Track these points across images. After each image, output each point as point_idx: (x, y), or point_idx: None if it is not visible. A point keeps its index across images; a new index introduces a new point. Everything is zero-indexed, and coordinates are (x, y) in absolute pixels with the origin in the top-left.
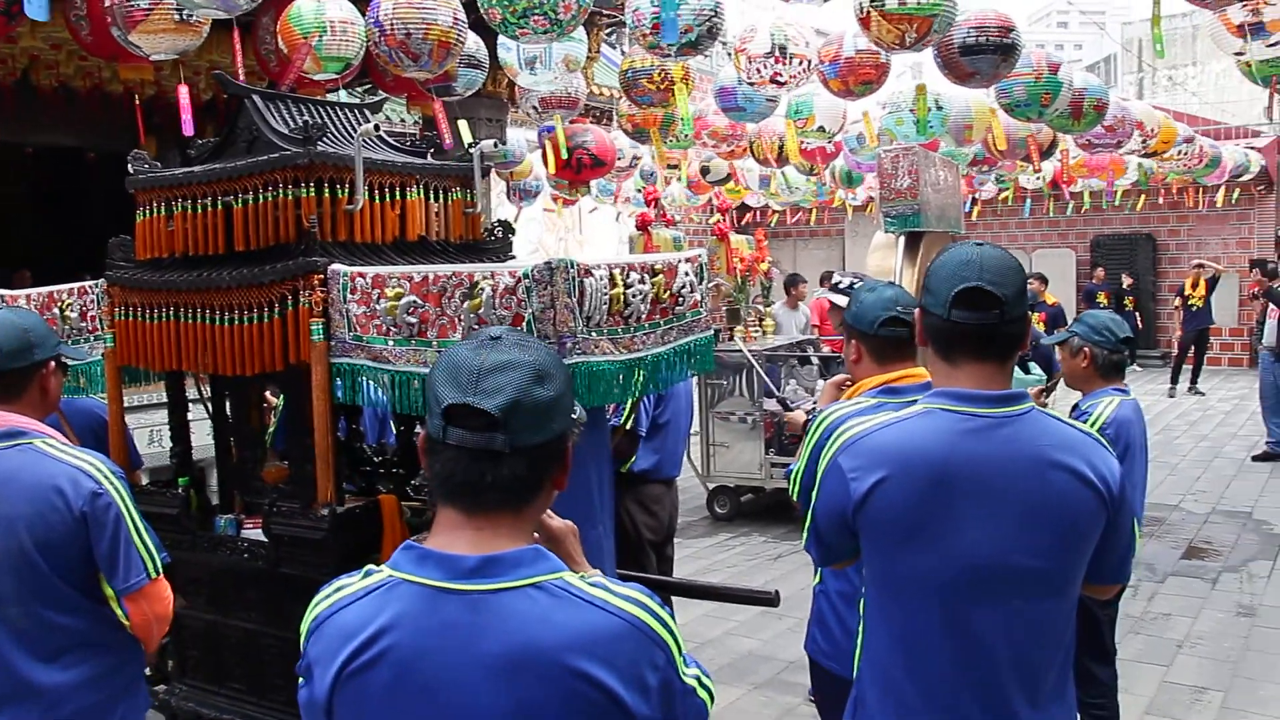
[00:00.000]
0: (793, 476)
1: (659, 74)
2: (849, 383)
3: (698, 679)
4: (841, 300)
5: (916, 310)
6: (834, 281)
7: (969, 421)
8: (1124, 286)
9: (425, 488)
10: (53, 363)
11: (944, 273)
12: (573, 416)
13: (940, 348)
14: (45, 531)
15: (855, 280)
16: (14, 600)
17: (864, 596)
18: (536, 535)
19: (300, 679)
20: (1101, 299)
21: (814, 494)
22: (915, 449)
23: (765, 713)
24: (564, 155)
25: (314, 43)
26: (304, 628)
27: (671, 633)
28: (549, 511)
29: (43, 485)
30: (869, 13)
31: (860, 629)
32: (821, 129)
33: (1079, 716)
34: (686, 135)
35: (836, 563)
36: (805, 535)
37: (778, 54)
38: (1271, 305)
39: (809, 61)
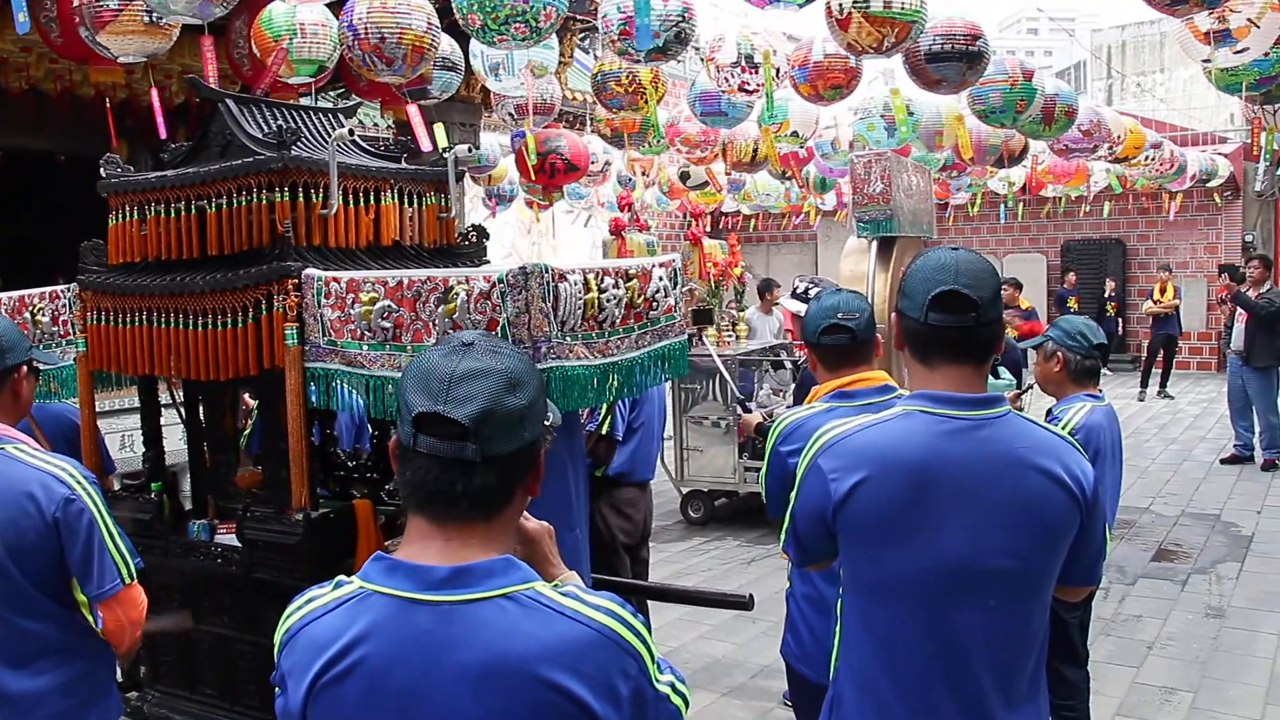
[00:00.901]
0: (759, 479)
1: (627, 78)
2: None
3: (671, 686)
4: (801, 308)
5: (893, 314)
6: (795, 289)
7: (947, 423)
8: (1106, 293)
9: (398, 492)
10: (24, 367)
11: (920, 277)
12: (545, 423)
13: (917, 351)
14: (16, 537)
15: (814, 286)
16: None
17: (841, 598)
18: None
19: (276, 689)
20: (1072, 304)
21: (793, 494)
22: (895, 450)
23: (739, 717)
24: (533, 161)
25: (285, 44)
26: (277, 639)
27: (644, 641)
28: (525, 513)
29: (14, 491)
30: (850, 14)
31: (837, 630)
32: (795, 134)
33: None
34: (659, 140)
35: (814, 563)
36: (783, 536)
37: (744, 63)
38: (1239, 310)
39: (777, 70)
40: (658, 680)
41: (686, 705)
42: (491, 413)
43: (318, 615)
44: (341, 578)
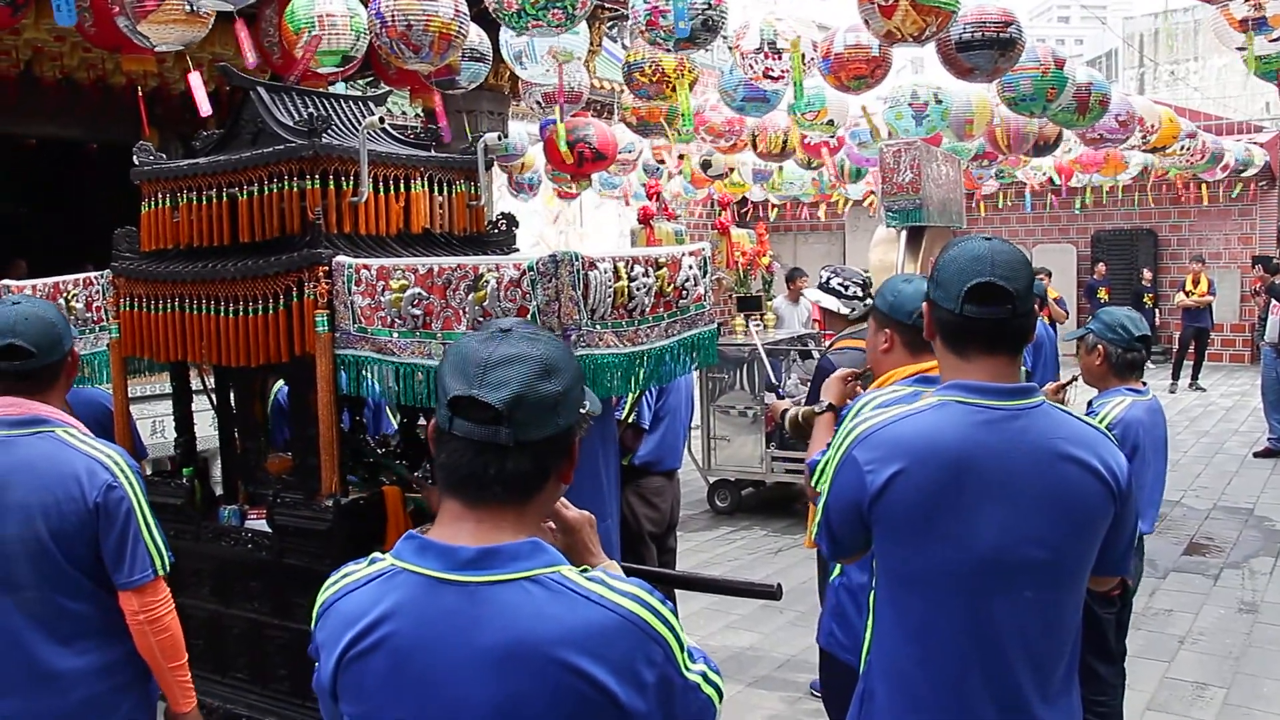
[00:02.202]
0: (820, 466)
1: (651, 68)
2: (856, 376)
3: (703, 675)
4: (831, 302)
5: (924, 303)
6: (823, 280)
7: (983, 414)
8: (1143, 283)
9: (430, 477)
10: (75, 350)
11: (955, 267)
12: (582, 410)
13: (951, 342)
14: (60, 520)
15: (834, 276)
16: (31, 585)
17: (874, 589)
18: (551, 526)
19: (315, 662)
20: (1102, 294)
21: (826, 486)
22: (932, 441)
23: (765, 706)
24: (563, 148)
25: (314, 34)
26: (315, 612)
27: (671, 628)
28: (565, 502)
29: (61, 474)
30: (897, 1)
31: (869, 622)
32: (831, 122)
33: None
34: (687, 130)
35: (847, 557)
36: (815, 529)
37: (767, 49)
38: (1273, 301)
39: (803, 56)
40: (687, 669)
41: (720, 695)
42: (525, 398)
43: (350, 590)
44: (376, 555)
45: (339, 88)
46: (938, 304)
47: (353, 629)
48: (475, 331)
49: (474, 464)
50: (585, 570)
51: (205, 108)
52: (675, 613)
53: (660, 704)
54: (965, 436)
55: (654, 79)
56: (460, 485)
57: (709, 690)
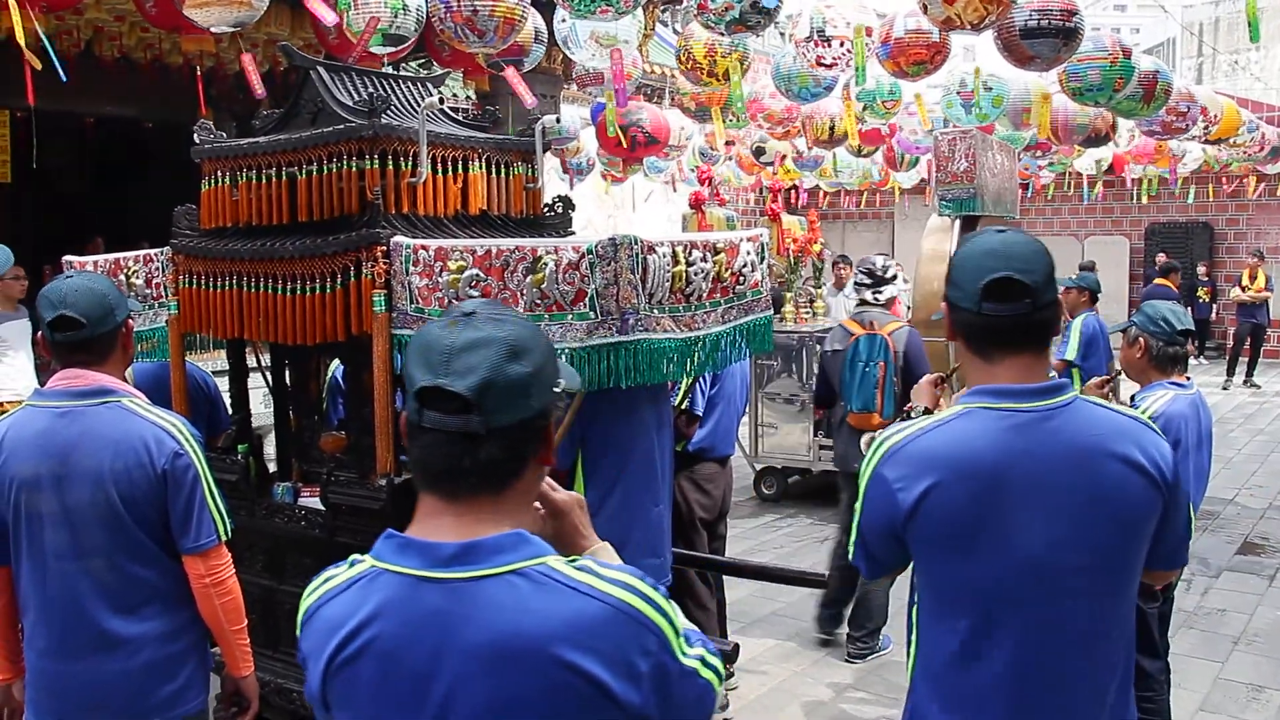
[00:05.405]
0: None
1: (702, 52)
2: (943, 378)
3: (701, 659)
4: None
5: (943, 304)
6: (876, 271)
7: (1013, 417)
8: (1198, 276)
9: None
10: (130, 321)
11: (970, 265)
12: (555, 390)
13: (974, 343)
14: (129, 487)
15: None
16: (101, 552)
17: (917, 605)
18: (540, 510)
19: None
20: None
21: (858, 506)
22: (963, 452)
23: (809, 694)
24: (613, 131)
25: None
26: (299, 619)
27: (665, 614)
28: (552, 484)
29: (130, 442)
30: None
31: (912, 638)
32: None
33: None
34: (743, 115)
35: (886, 575)
36: (851, 549)
37: (817, 37)
38: None
39: (849, 42)
40: (684, 654)
41: (720, 678)
42: (494, 383)
43: (332, 595)
44: (356, 556)
45: (388, 69)
46: (956, 304)
47: (337, 635)
48: (439, 318)
49: (447, 456)
50: (574, 560)
51: (259, 88)
52: (669, 599)
53: (656, 692)
54: (997, 443)
55: (692, 66)
56: (436, 479)
57: (707, 674)
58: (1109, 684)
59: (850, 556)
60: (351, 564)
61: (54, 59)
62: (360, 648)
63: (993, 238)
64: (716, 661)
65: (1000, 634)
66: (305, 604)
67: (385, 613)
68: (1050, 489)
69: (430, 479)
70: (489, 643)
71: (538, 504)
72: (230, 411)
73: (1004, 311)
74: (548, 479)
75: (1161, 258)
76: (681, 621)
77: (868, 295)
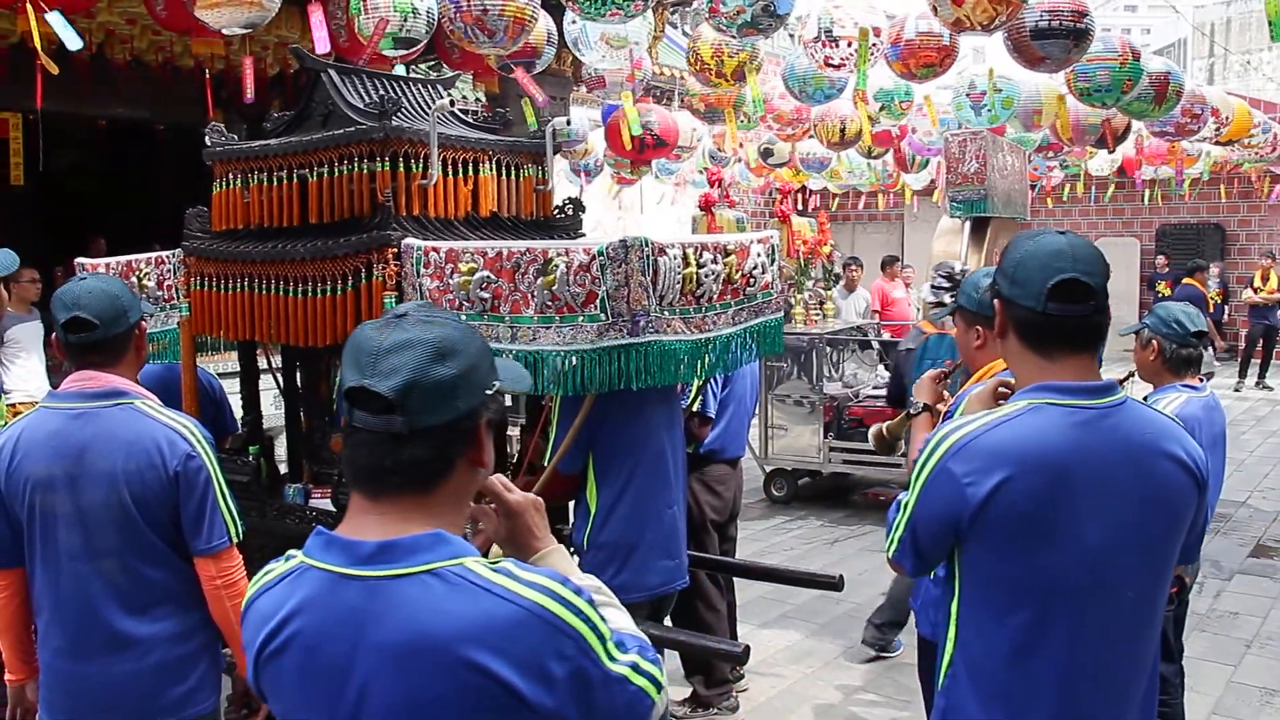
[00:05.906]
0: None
1: (710, 52)
2: (945, 375)
3: (634, 666)
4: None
5: (997, 301)
6: (940, 279)
7: (1079, 414)
8: (1210, 278)
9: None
10: (143, 323)
11: (1035, 264)
12: (488, 391)
13: (1032, 341)
14: (142, 488)
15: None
16: (112, 553)
17: (959, 600)
18: (494, 509)
19: None
20: (1162, 288)
21: (911, 501)
22: (1034, 446)
23: (820, 697)
24: (637, 131)
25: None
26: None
27: (585, 619)
28: (508, 484)
29: (142, 444)
30: None
31: (950, 634)
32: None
33: None
34: (755, 116)
35: (928, 571)
36: (894, 546)
37: (824, 38)
38: None
39: (856, 43)
40: (611, 660)
41: (658, 686)
42: (417, 384)
43: (266, 589)
44: (291, 552)
45: (398, 71)
46: (1015, 302)
47: (265, 628)
48: (372, 320)
49: (371, 455)
50: (495, 562)
51: (251, 91)
52: (593, 606)
53: (575, 698)
54: (1067, 439)
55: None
56: (361, 478)
57: (640, 681)
58: (1143, 678)
59: (891, 554)
60: (287, 559)
61: (72, 40)
62: (285, 641)
63: (1058, 239)
64: (653, 668)
65: (1057, 629)
66: (246, 596)
67: (307, 608)
68: (1111, 484)
69: (356, 478)
70: (401, 642)
71: (492, 504)
72: (238, 414)
73: (1070, 312)
74: (500, 478)
75: (1161, 261)
76: (611, 627)
77: (946, 298)
